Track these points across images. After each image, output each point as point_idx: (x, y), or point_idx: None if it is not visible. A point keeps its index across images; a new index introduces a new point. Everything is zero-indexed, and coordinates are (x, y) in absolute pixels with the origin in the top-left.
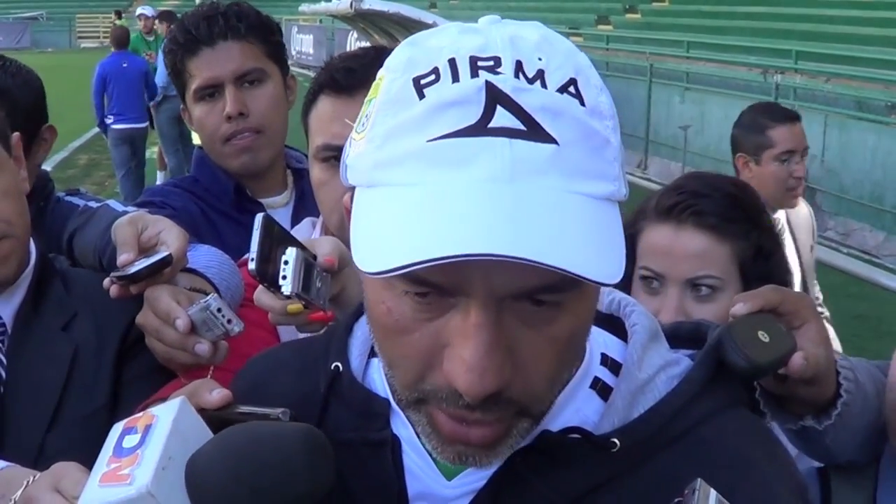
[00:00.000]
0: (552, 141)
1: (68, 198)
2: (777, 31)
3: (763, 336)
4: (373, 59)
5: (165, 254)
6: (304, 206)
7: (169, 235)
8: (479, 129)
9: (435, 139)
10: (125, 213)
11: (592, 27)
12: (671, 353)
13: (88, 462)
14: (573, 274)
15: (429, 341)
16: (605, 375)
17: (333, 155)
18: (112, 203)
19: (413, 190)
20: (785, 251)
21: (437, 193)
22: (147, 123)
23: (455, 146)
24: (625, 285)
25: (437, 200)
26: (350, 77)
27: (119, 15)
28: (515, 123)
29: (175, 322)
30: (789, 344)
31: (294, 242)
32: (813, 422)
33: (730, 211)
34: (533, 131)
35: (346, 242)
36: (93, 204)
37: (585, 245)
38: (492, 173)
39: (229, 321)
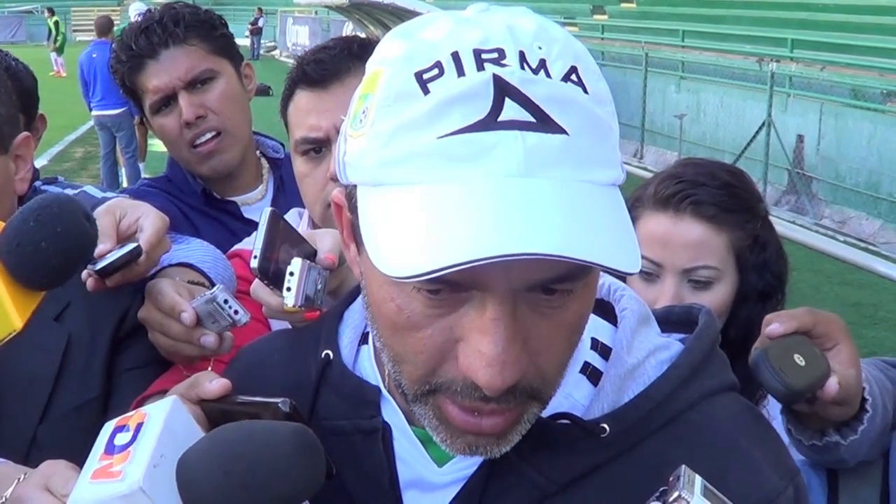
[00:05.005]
0: (562, 131)
1: (44, 186)
2: (772, 19)
3: (799, 360)
4: (342, 50)
5: (133, 246)
6: (285, 195)
7: (146, 221)
8: (490, 123)
9: (445, 135)
10: (104, 199)
11: (588, 17)
12: (661, 338)
13: (81, 453)
14: (604, 267)
15: (441, 337)
16: (595, 360)
17: (312, 147)
18: (89, 189)
19: (428, 188)
20: (780, 240)
21: (455, 192)
22: (122, 109)
23: (467, 142)
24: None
25: (457, 199)
26: (320, 69)
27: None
28: (525, 115)
29: (181, 315)
30: (824, 367)
31: (299, 239)
32: (837, 437)
33: (727, 201)
34: (543, 123)
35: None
36: (69, 192)
37: (607, 235)
38: (507, 168)
39: (236, 312)
